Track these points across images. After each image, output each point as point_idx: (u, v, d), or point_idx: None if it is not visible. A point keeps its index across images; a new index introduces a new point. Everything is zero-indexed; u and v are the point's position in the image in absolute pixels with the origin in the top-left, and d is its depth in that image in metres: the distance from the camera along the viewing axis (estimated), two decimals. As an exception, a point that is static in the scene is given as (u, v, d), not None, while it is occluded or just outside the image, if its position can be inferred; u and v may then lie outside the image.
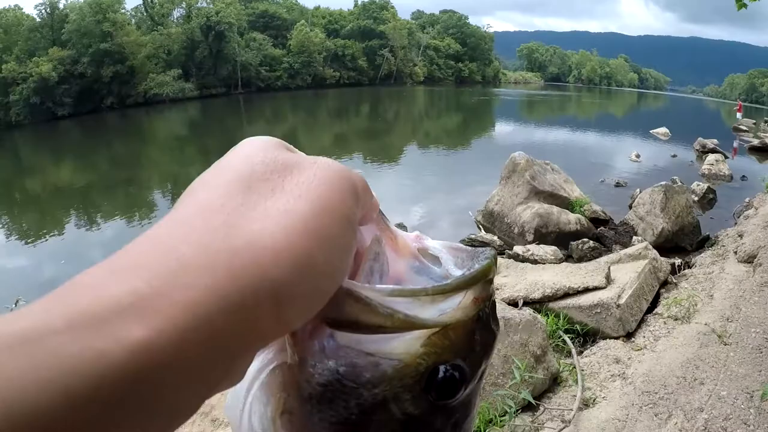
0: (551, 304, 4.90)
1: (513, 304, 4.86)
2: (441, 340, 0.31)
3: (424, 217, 10.33)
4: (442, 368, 0.31)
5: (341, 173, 0.27)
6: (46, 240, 11.18)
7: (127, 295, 0.19)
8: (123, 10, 65.48)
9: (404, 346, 0.30)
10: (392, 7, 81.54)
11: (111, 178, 18.35)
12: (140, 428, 0.19)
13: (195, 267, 0.21)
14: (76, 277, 0.20)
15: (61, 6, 65.38)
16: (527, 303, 4.94)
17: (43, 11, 65.57)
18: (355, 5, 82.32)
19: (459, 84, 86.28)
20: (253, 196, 0.24)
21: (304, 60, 68.90)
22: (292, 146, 0.31)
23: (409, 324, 0.30)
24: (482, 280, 0.33)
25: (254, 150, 0.27)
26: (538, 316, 4.19)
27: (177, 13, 68.57)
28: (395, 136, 23.67)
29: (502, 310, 3.89)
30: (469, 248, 0.36)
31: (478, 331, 0.33)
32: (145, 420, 0.19)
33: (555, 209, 8.18)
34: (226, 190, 0.24)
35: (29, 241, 11.43)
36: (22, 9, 65.56)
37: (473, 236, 8.18)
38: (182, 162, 21.27)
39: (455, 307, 0.31)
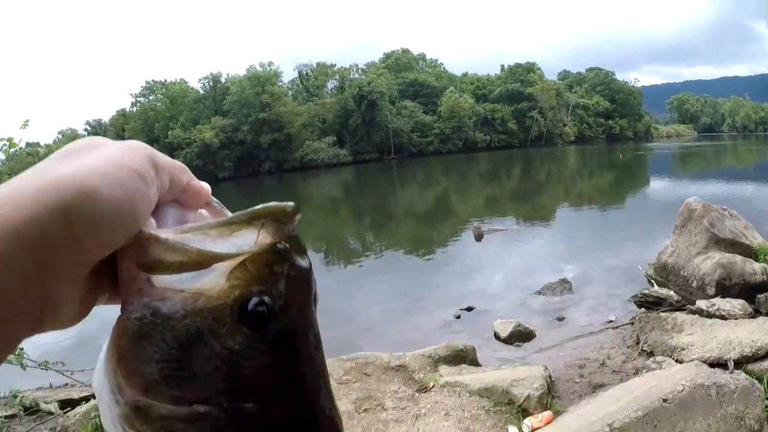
0: (750, 366, 4.49)
1: (718, 365, 4.43)
2: (242, 273, 0.34)
3: (586, 274, 9.29)
4: (250, 300, 0.33)
5: (138, 146, 0.35)
6: None
7: None
8: (280, 83, 67.67)
9: (210, 281, 0.33)
10: (539, 69, 77.77)
11: None
12: None
13: (18, 195, 0.29)
14: None
15: (222, 80, 69.08)
16: (719, 364, 4.42)
17: (206, 84, 69.55)
18: (502, 70, 79.44)
19: (610, 141, 79.55)
20: (68, 159, 0.32)
21: (455, 125, 66.33)
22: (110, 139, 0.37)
23: (204, 257, 0.33)
24: (269, 217, 0.35)
25: (77, 140, 0.35)
26: (756, 382, 3.73)
27: (331, 84, 69.76)
28: (547, 197, 21.91)
29: (712, 374, 3.64)
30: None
31: (279, 264, 0.35)
32: None
33: (738, 258, 7.43)
34: (47, 161, 0.33)
35: None
36: (187, 82, 70.21)
37: (646, 292, 7.38)
38: (336, 223, 21.21)
39: (251, 243, 0.34)
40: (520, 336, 6.45)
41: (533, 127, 72.98)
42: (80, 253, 0.31)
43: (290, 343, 0.36)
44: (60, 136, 74.20)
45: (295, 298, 0.36)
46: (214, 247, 0.34)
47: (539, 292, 8.23)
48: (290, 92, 69.23)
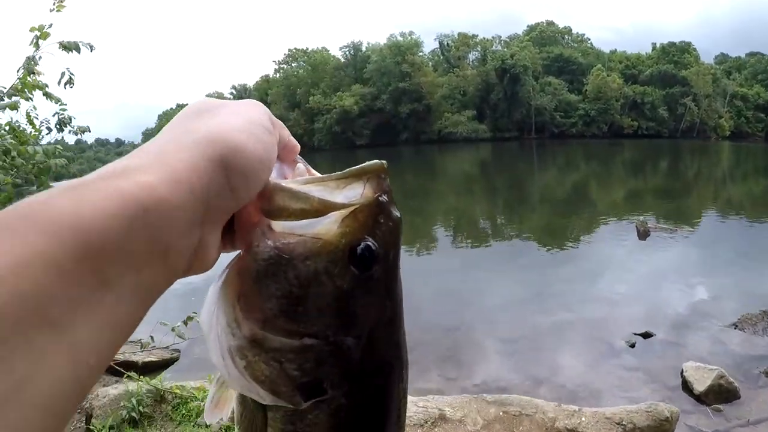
0: None
1: None
2: (353, 221, 0.38)
3: (721, 294, 7.50)
4: (359, 245, 0.38)
5: (258, 106, 0.40)
6: None
7: (135, 164, 0.31)
8: (421, 53, 66.75)
9: (325, 228, 0.38)
10: (694, 50, 70.16)
11: (399, 207, 16.49)
12: (146, 255, 0.29)
13: (174, 150, 0.32)
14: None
15: (363, 48, 69.45)
16: None
17: (347, 52, 70.70)
18: (654, 48, 72.77)
19: (769, 141, 70.32)
20: (205, 117, 0.36)
21: (601, 107, 62.02)
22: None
23: (323, 205, 0.38)
24: (373, 172, 0.40)
25: (197, 101, 0.39)
26: None
27: (472, 56, 67.81)
28: (693, 199, 19.32)
29: None
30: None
31: (381, 215, 0.40)
32: (147, 252, 0.29)
33: None
34: (184, 119, 0.37)
35: None
36: (328, 50, 71.78)
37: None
38: (469, 199, 20.31)
39: (359, 195, 0.39)
40: (721, 394, 4.60)
41: (685, 116, 66.43)
42: (233, 201, 0.35)
43: (388, 284, 0.41)
44: (207, 98, 79.12)
45: (392, 244, 0.41)
46: (331, 197, 0.38)
47: (735, 326, 6.25)
48: (430, 63, 68.49)
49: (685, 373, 4.85)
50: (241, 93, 79.40)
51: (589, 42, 75.32)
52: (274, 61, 78.59)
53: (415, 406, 3.53)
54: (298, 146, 0.45)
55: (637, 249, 10.51)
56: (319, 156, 57.57)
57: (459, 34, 68.63)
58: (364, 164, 0.41)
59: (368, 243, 0.38)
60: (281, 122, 0.43)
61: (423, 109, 60.46)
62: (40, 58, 3.00)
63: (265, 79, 74.45)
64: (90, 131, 3.82)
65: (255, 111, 0.39)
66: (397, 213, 0.42)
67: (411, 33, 65.55)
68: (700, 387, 4.61)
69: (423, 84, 60.83)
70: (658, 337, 6.00)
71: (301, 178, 0.41)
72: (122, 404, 3.63)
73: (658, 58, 69.58)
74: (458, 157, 45.24)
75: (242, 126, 0.36)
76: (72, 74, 3.31)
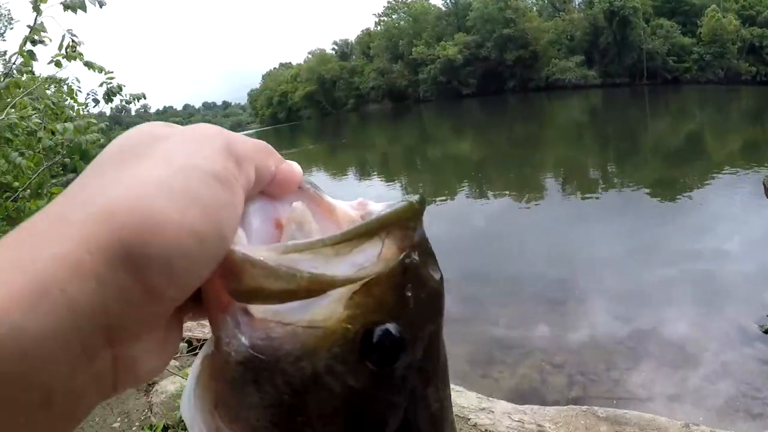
0: None
1: None
2: (365, 299, 0.27)
3: None
4: (376, 331, 0.28)
5: (208, 134, 0.27)
6: (437, 204, 11.14)
7: None
8: (524, -2, 65.69)
9: (325, 311, 0.27)
10: (821, -12, 64.90)
11: (507, 156, 18.35)
12: (16, 409, 0.19)
13: (48, 239, 0.21)
14: None
15: (464, -5, 69.25)
16: None
17: (448, 1, 70.55)
18: (775, -13, 68.07)
19: None
20: (121, 168, 0.24)
21: (716, 51, 59.06)
22: (174, 124, 0.30)
23: (317, 283, 0.27)
24: (396, 224, 0.29)
25: (132, 130, 0.28)
26: None
27: (578, -1, 66.03)
28: None
29: None
30: (416, 196, 0.31)
31: (410, 285, 0.29)
32: (16, 405, 0.19)
33: None
34: (99, 167, 0.25)
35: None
36: (429, 0, 71.51)
37: None
38: (578, 149, 19.87)
39: (374, 259, 0.28)
40: None
41: (810, 60, 62.44)
42: (157, 305, 0.24)
43: (421, 380, 0.30)
44: (309, 56, 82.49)
45: (427, 324, 0.30)
46: (327, 269, 0.27)
47: None
48: (535, 8, 67.44)
49: None
50: (343, 48, 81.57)
51: (702, -20, 71.42)
52: (374, 14, 79.85)
53: (509, 419, 2.95)
54: (298, 173, 0.31)
55: (765, 210, 8.74)
56: (424, 107, 59.24)
57: (565, -25, 66.81)
58: (383, 213, 0.29)
59: (388, 328, 0.28)
60: (265, 145, 0.30)
61: (529, 55, 59.83)
62: (41, 23, 2.45)
63: (367, 33, 75.70)
64: (145, 98, 3.36)
65: (198, 149, 0.26)
66: (436, 274, 0.31)
67: (514, -23, 64.87)
68: None
69: (528, 30, 59.97)
70: None
71: (281, 244, 0.28)
72: (177, 404, 3.09)
73: (779, -2, 65.29)
74: (567, 104, 44.93)
75: (166, 182, 0.23)
76: (75, 37, 2.69)
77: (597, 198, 11.22)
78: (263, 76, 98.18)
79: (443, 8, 70.52)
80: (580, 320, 5.25)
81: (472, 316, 5.43)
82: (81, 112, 3.22)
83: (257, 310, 0.27)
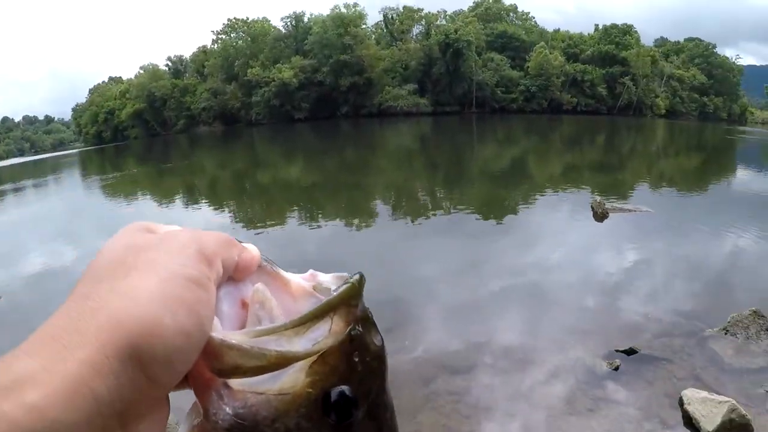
0: None
1: None
2: (322, 367, 0.34)
3: (704, 291, 6.45)
4: (332, 392, 0.34)
5: (183, 243, 0.33)
6: (267, 229, 11.28)
7: (24, 371, 0.25)
8: (364, 25, 65.79)
9: (290, 379, 0.33)
10: (635, 32, 71.75)
11: (337, 181, 18.36)
12: None
13: (70, 346, 0.26)
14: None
15: (305, 19, 67.80)
16: None
17: (289, 23, 68.97)
18: (596, 29, 73.84)
19: (702, 119, 73.01)
20: (117, 279, 0.30)
21: (542, 83, 62.52)
22: (153, 226, 0.36)
23: (283, 359, 0.32)
24: (341, 304, 0.35)
25: (117, 238, 0.33)
26: None
27: (416, 29, 67.20)
28: (628, 173, 19.48)
29: None
30: (356, 275, 0.37)
31: (357, 352, 0.35)
32: None
33: None
34: (96, 277, 0.31)
35: (252, 227, 11.78)
36: (269, 21, 70.15)
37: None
38: (409, 174, 20.02)
39: (326, 334, 0.34)
40: (732, 430, 3.64)
41: (623, 95, 67.91)
42: (158, 389, 0.30)
43: (375, 424, 0.37)
44: (141, 71, 75.66)
45: (374, 380, 0.37)
46: (291, 347, 0.33)
47: (725, 330, 5.11)
48: (374, 36, 67.26)
49: (687, 406, 3.86)
50: (177, 65, 76.03)
51: (533, 20, 75.60)
52: (212, 31, 75.50)
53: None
54: (256, 257, 0.38)
55: (595, 234, 9.29)
56: (256, 131, 55.79)
57: (404, 7, 67.59)
58: (330, 298, 0.36)
59: (342, 389, 0.34)
60: (227, 237, 0.36)
61: (364, 82, 59.39)
62: None
63: (203, 50, 71.55)
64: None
65: (178, 259, 0.32)
66: (377, 340, 0.38)
67: (355, 5, 64.25)
68: (709, 426, 3.65)
69: (365, 57, 59.74)
70: (644, 354, 4.75)
71: (251, 330, 0.34)
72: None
73: (600, 39, 70.55)
74: (399, 130, 44.80)
75: (158, 293, 0.30)
76: None
77: (427, 220, 11.25)
78: (90, 90, 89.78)
79: (283, 30, 68.18)
80: (413, 339, 5.19)
81: None
82: None
83: (235, 383, 0.33)
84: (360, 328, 0.36)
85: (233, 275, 0.36)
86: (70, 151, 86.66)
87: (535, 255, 7.95)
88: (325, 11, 66.43)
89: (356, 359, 0.35)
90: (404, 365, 4.65)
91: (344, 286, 0.36)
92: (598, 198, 10.55)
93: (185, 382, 0.33)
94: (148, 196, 19.49)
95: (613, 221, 9.68)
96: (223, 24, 68.57)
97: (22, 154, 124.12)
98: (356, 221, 11.31)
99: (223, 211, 14.65)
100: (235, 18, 68.28)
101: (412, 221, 11.19)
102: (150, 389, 0.29)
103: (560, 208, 11.55)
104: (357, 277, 0.36)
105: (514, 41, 65.91)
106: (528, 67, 63.01)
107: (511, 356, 4.84)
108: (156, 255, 0.31)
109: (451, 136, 38.65)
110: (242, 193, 18.19)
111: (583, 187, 14.32)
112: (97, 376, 0.26)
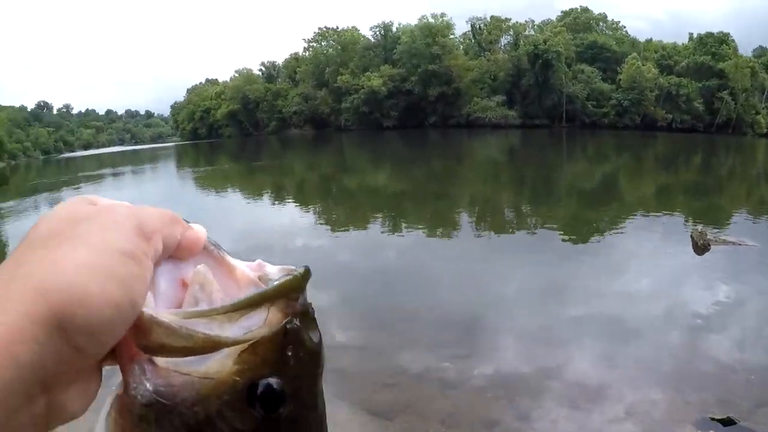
0: None
1: None
2: (251, 356, 0.33)
3: None
4: (260, 384, 0.33)
5: (121, 216, 0.32)
6: (349, 233, 11.39)
7: None
8: (452, 35, 66.24)
9: (217, 365, 0.33)
10: (732, 41, 67.90)
11: (423, 190, 18.26)
12: None
13: None
14: None
15: (394, 29, 69.20)
16: None
17: (378, 32, 70.52)
18: (690, 39, 70.68)
19: (805, 138, 68.07)
20: (51, 248, 0.30)
21: (634, 97, 60.60)
22: (98, 199, 0.36)
23: (211, 343, 0.32)
24: (280, 296, 0.34)
25: (58, 208, 0.34)
26: None
27: (504, 40, 66.84)
28: (725, 197, 18.23)
29: None
30: (301, 268, 0.36)
31: (291, 346, 0.34)
32: None
33: None
34: (32, 244, 0.31)
35: (335, 229, 11.84)
36: (358, 30, 72.08)
37: None
38: (494, 186, 20.09)
39: (261, 324, 0.33)
40: None
41: (722, 111, 64.72)
42: (83, 360, 0.29)
43: (300, 426, 0.36)
44: (236, 74, 79.94)
45: (305, 379, 0.36)
46: (221, 332, 0.33)
47: None
48: (461, 46, 67.65)
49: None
50: (270, 70, 79.58)
51: (624, 30, 73.21)
52: (304, 39, 78.66)
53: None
54: (202, 235, 0.37)
55: (694, 267, 8.27)
56: (345, 136, 57.71)
57: (492, 17, 67.36)
58: (269, 287, 0.35)
59: (270, 382, 0.34)
60: (171, 215, 0.36)
61: (452, 92, 59.89)
62: None
63: (294, 57, 74.51)
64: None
65: (113, 232, 0.32)
66: (314, 337, 0.36)
67: (443, 15, 64.78)
68: None
69: (453, 67, 60.24)
70: (743, 427, 3.90)
71: (184, 310, 0.34)
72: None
73: (694, 49, 67.48)
74: (486, 142, 44.86)
75: (89, 263, 0.29)
76: None
77: (510, 236, 11.20)
78: (188, 90, 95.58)
79: (372, 39, 70.11)
80: (487, 356, 5.23)
81: (378, 347, 5.48)
82: None
83: (161, 361, 0.32)
84: (297, 323, 0.35)
85: (176, 254, 0.36)
86: (167, 144, 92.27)
87: (624, 284, 7.45)
88: (413, 21, 67.31)
89: (289, 353, 0.34)
90: (473, 386, 4.65)
91: (285, 278, 0.35)
92: (700, 228, 9.42)
93: (114, 358, 0.33)
94: (239, 191, 20.51)
95: (715, 255, 8.56)
96: (314, 32, 71.20)
97: (122, 143, 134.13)
98: (439, 232, 11.28)
99: (309, 211, 15.07)
100: (325, 27, 70.70)
101: (496, 236, 11.13)
102: (76, 359, 0.29)
103: (654, 235, 10.70)
104: (301, 270, 0.36)
105: (605, 52, 64.18)
106: (620, 79, 61.26)
107: (585, 390, 4.48)
108: (91, 227, 0.31)
109: (540, 150, 38.42)
110: (328, 195, 18.73)
111: (678, 212, 13.56)
112: (19, 342, 0.26)
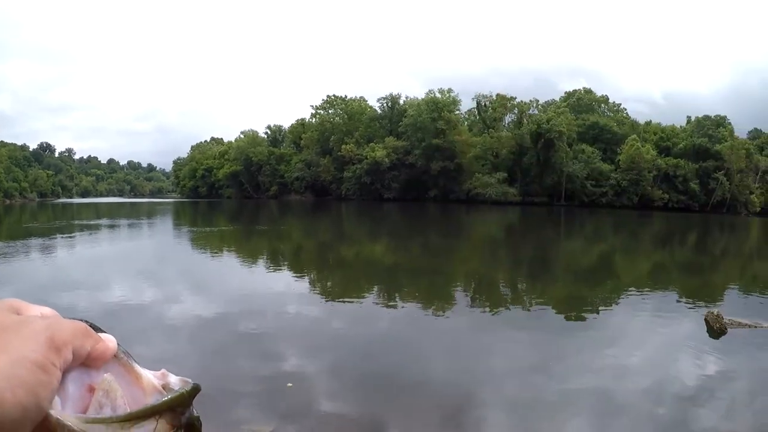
0: None
1: None
2: None
3: None
4: None
5: (37, 330, 0.37)
6: (344, 302, 11.52)
7: None
8: (457, 111, 67.44)
9: None
10: (729, 124, 70.00)
11: (419, 263, 18.28)
12: None
13: None
14: None
15: (401, 101, 70.64)
16: None
17: (385, 104, 72.09)
18: (689, 121, 72.84)
19: (798, 217, 68.99)
20: None
21: (633, 178, 61.78)
22: (23, 306, 0.42)
23: None
24: (167, 409, 0.39)
25: None
26: None
27: (508, 118, 68.15)
28: (718, 275, 18.23)
29: None
30: (189, 386, 0.41)
31: None
32: None
33: None
34: None
35: (329, 299, 11.96)
36: (366, 100, 73.62)
37: None
38: (492, 264, 19.66)
39: None
40: None
41: (717, 191, 65.94)
42: None
43: None
44: (242, 135, 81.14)
45: None
46: None
47: None
48: (466, 122, 69.09)
49: None
50: (276, 134, 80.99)
51: (624, 111, 75.44)
52: (312, 106, 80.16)
53: None
54: (112, 347, 0.42)
55: (713, 358, 7.27)
56: (345, 205, 57.90)
57: (497, 95, 68.62)
58: (158, 402, 0.40)
59: None
60: (84, 328, 0.41)
61: (454, 167, 60.67)
62: None
63: (301, 123, 75.92)
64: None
65: (28, 343, 0.36)
66: None
67: (450, 90, 66.40)
68: None
69: (457, 142, 61.23)
70: None
71: (85, 417, 0.38)
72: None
73: (692, 131, 69.47)
74: (485, 218, 44.88)
75: (4, 371, 0.34)
76: None
77: (505, 312, 10.99)
78: (192, 147, 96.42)
79: (379, 110, 71.35)
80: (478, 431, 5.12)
81: (367, 420, 5.38)
82: None
83: None
84: None
85: (87, 363, 0.40)
86: (166, 199, 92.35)
87: (606, 352, 7.30)
88: (421, 95, 69.08)
89: None
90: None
91: (174, 394, 0.40)
92: (715, 310, 9.06)
93: None
94: (234, 254, 20.41)
95: (731, 338, 8.12)
96: (322, 99, 72.57)
97: (121, 194, 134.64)
98: (433, 306, 11.15)
99: (304, 278, 14.97)
100: (334, 95, 72.12)
101: (490, 312, 10.91)
102: None
103: (641, 308, 10.45)
104: (189, 388, 0.41)
105: (606, 133, 65.74)
106: (619, 159, 62.58)
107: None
108: (11, 338, 0.36)
109: (539, 228, 38.44)
110: (324, 263, 18.58)
111: (690, 296, 12.62)
112: None
